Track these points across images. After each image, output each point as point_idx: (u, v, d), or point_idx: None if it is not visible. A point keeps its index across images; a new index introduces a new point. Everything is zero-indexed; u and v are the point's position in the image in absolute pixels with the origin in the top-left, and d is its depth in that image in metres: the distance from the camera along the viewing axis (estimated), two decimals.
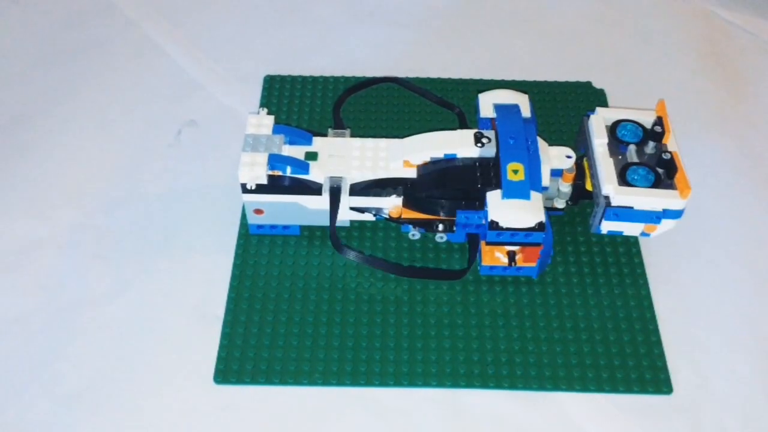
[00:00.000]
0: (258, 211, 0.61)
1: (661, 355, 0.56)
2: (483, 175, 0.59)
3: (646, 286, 0.60)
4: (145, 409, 0.54)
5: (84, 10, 0.83)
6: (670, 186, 0.58)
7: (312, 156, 0.60)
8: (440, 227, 0.60)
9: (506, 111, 0.61)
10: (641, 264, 0.62)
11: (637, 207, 0.58)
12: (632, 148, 0.61)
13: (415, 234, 0.62)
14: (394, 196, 0.59)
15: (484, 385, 0.55)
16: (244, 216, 0.63)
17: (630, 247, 0.63)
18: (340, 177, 0.59)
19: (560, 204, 0.62)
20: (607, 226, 0.61)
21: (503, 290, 0.60)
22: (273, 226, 0.62)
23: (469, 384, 0.55)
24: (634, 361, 0.56)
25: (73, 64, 0.77)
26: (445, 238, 0.62)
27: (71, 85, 0.75)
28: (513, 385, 0.55)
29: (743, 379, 0.56)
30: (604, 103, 0.74)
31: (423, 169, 0.60)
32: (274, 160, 0.58)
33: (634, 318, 0.58)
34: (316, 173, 0.59)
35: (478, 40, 0.81)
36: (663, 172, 0.59)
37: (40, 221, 0.64)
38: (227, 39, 0.81)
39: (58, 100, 0.74)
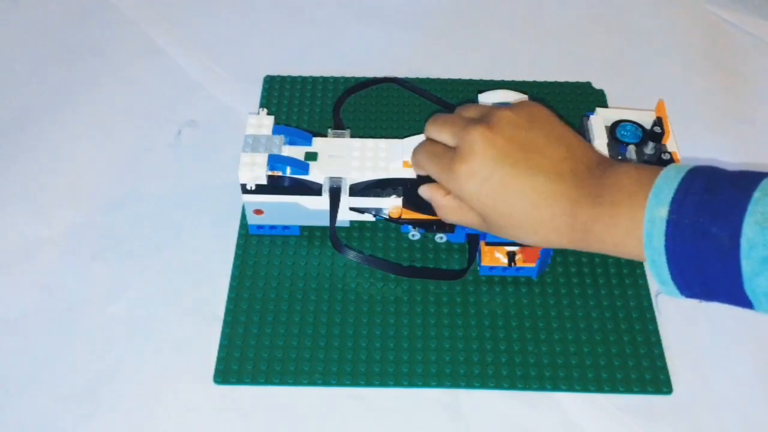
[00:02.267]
0: (258, 212, 0.61)
1: (661, 355, 0.56)
2: None
3: (646, 286, 0.60)
4: (144, 409, 0.54)
5: (84, 10, 0.83)
6: None
7: (312, 156, 0.60)
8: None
9: None
10: (641, 264, 0.62)
11: None
12: (632, 148, 0.61)
13: (415, 234, 0.62)
14: (393, 196, 0.59)
15: (484, 385, 0.55)
16: (244, 216, 0.63)
17: None
18: (340, 177, 0.59)
19: None
20: None
21: (503, 290, 0.60)
22: (273, 227, 0.62)
23: (469, 384, 0.55)
24: (634, 361, 0.56)
25: (73, 65, 0.77)
26: (444, 239, 0.62)
27: (71, 85, 0.75)
28: (513, 385, 0.55)
29: (743, 379, 0.56)
30: (603, 104, 0.74)
31: None
32: (274, 161, 0.58)
33: (634, 318, 0.58)
34: (316, 173, 0.59)
35: (478, 40, 0.81)
36: None
37: (40, 221, 0.64)
38: (227, 39, 0.81)
39: (58, 100, 0.74)
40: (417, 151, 0.57)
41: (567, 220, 0.49)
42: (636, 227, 0.46)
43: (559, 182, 0.49)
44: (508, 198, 0.50)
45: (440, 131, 0.55)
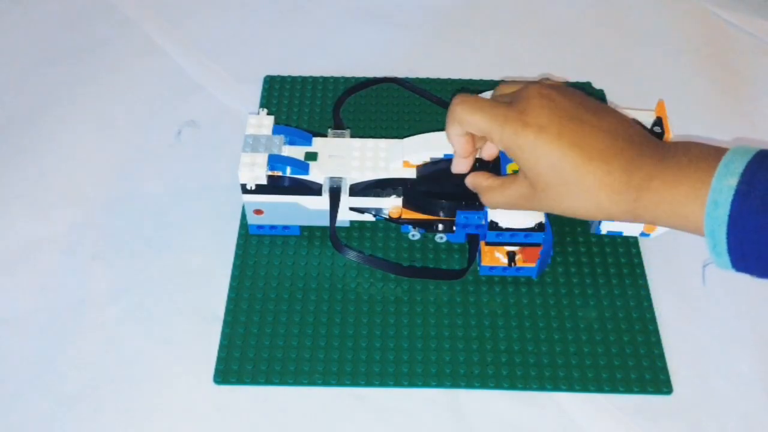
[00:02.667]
0: (258, 212, 0.61)
1: (661, 355, 0.56)
2: None
3: (646, 286, 0.60)
4: (144, 409, 0.54)
5: (84, 10, 0.83)
6: None
7: (312, 156, 0.60)
8: (440, 227, 0.60)
9: None
10: (641, 264, 0.62)
11: None
12: None
13: (415, 234, 0.62)
14: (393, 196, 0.59)
15: (484, 385, 0.55)
16: (244, 216, 0.63)
17: (630, 247, 0.63)
18: (340, 177, 0.59)
19: None
20: (606, 227, 0.61)
21: (503, 290, 0.60)
22: (273, 227, 0.62)
23: (469, 384, 0.55)
24: (634, 361, 0.56)
25: (73, 64, 0.77)
26: (444, 239, 0.62)
27: (71, 85, 0.75)
28: (513, 385, 0.55)
29: (743, 379, 0.56)
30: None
31: (423, 169, 0.60)
32: (274, 161, 0.58)
33: (634, 318, 0.58)
34: (316, 173, 0.59)
35: (478, 40, 0.82)
36: None
37: (40, 221, 0.64)
38: (227, 39, 0.81)
39: (58, 100, 0.74)
40: (456, 105, 0.53)
41: (622, 177, 0.48)
42: (701, 188, 0.44)
43: (616, 140, 0.49)
44: (561, 152, 0.48)
45: (498, 91, 0.56)
